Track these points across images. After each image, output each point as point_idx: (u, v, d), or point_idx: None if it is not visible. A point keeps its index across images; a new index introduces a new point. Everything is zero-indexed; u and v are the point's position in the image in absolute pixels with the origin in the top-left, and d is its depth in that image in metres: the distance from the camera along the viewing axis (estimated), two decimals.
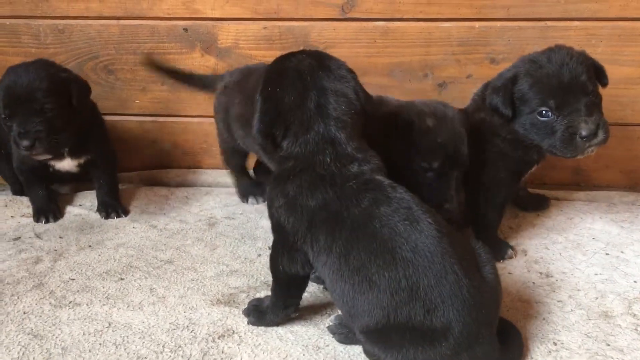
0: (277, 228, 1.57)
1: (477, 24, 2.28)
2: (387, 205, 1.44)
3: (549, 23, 2.25)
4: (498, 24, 2.27)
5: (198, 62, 2.45)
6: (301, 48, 2.35)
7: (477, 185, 2.01)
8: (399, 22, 2.30)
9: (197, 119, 2.57)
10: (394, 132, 1.81)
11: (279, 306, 1.67)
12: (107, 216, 2.30)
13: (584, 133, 1.78)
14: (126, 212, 2.33)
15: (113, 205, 2.33)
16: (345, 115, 1.55)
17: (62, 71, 2.17)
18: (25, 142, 2.04)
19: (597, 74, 1.87)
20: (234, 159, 2.39)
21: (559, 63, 1.81)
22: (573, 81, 1.79)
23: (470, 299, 1.38)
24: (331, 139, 1.52)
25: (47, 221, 2.27)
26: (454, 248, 1.42)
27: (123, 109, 2.58)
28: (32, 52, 2.49)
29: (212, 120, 2.53)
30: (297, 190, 1.50)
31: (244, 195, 2.39)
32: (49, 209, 2.30)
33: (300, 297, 1.70)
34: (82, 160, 2.30)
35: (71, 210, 2.37)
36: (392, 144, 1.80)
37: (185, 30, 2.40)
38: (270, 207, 1.59)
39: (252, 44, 2.40)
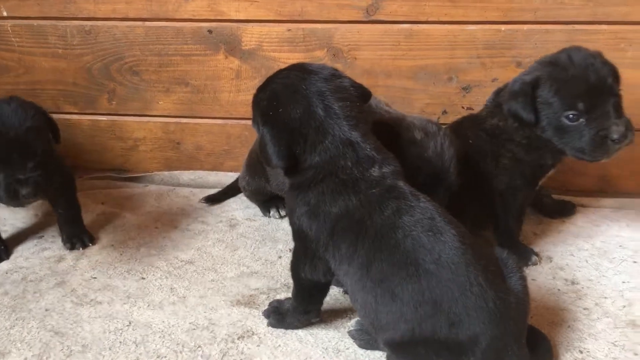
0: (299, 235, 1.56)
1: (503, 27, 2.25)
2: (410, 215, 1.41)
3: (577, 26, 2.20)
4: (525, 27, 2.23)
5: (222, 64, 2.46)
6: (325, 50, 2.38)
7: (493, 192, 1.98)
8: (423, 25, 2.28)
9: (220, 121, 2.57)
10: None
11: (300, 311, 1.66)
12: (72, 247, 2.11)
13: (615, 136, 1.74)
14: (93, 240, 2.15)
15: (78, 236, 2.14)
16: (352, 110, 1.52)
17: (38, 107, 1.97)
18: (26, 191, 1.82)
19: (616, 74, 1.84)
20: (259, 196, 2.35)
21: (583, 65, 1.78)
22: (600, 83, 1.76)
23: (496, 311, 1.34)
24: (349, 141, 1.49)
25: None
26: (478, 259, 1.38)
27: (147, 110, 2.59)
28: (59, 52, 2.51)
29: (234, 122, 2.55)
30: (319, 197, 1.48)
31: (266, 209, 2.35)
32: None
33: (321, 303, 1.68)
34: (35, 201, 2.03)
35: (94, 209, 2.39)
36: None
37: (210, 32, 2.40)
38: (291, 216, 1.57)
39: (275, 46, 2.40)
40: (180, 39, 2.43)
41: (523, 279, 1.47)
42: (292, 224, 1.57)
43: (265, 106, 1.56)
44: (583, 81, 1.76)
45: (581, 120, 1.77)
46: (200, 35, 2.42)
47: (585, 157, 1.82)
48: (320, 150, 1.49)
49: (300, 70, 1.58)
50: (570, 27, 2.20)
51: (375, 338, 1.51)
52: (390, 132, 1.73)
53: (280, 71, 1.62)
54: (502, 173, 1.96)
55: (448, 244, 1.38)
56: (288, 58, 2.41)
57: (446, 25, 2.27)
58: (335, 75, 1.58)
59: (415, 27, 2.29)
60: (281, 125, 1.52)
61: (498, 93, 1.98)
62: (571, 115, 1.78)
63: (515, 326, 1.39)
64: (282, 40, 2.39)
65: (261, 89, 1.61)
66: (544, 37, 2.22)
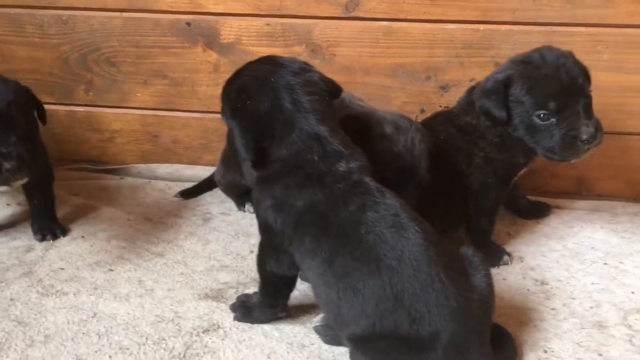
0: (264, 229, 1.55)
1: (482, 26, 2.25)
2: (375, 211, 1.41)
3: (555, 28, 2.20)
4: (503, 27, 2.23)
5: (200, 57, 2.44)
6: (304, 46, 2.37)
7: (465, 191, 1.98)
8: (402, 23, 2.27)
9: (198, 115, 2.55)
10: (351, 136, 1.68)
11: (266, 305, 1.65)
12: (42, 239, 2.08)
13: (584, 137, 1.74)
14: (64, 232, 2.13)
15: (49, 227, 2.11)
16: (321, 105, 1.52)
17: (23, 85, 1.97)
18: (10, 164, 1.79)
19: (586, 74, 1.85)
20: (234, 190, 2.34)
21: (555, 64, 1.78)
22: (572, 83, 1.76)
23: (458, 308, 1.34)
24: (316, 135, 1.48)
25: None
26: (441, 257, 1.38)
27: (124, 102, 2.57)
28: (36, 42, 2.49)
29: (212, 116, 2.53)
30: (285, 190, 1.47)
31: (240, 203, 2.34)
32: None
33: (288, 298, 1.67)
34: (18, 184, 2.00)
35: (67, 200, 2.36)
36: None
37: (188, 24, 2.39)
38: (257, 208, 1.56)
39: (254, 40, 2.39)
40: (158, 30, 2.41)
41: (488, 276, 1.47)
42: (257, 216, 1.56)
43: (233, 99, 1.55)
44: (555, 81, 1.76)
45: (552, 119, 1.78)
46: (179, 28, 2.40)
47: (555, 156, 1.82)
48: (287, 144, 1.49)
49: (269, 63, 1.57)
50: (548, 28, 2.21)
51: (339, 334, 1.50)
52: (361, 126, 1.72)
53: (250, 63, 1.61)
54: (474, 172, 1.96)
55: (411, 240, 1.37)
56: (267, 53, 2.35)
57: (425, 23, 2.27)
58: (305, 69, 1.57)
59: (394, 24, 2.29)
60: (249, 118, 1.51)
61: (471, 91, 1.98)
62: (542, 115, 1.78)
63: (478, 324, 1.39)
64: (261, 35, 2.37)
65: (230, 82, 1.60)
66: (523, 38, 2.22)
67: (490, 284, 1.47)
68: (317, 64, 2.33)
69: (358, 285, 1.37)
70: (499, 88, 1.82)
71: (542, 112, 1.77)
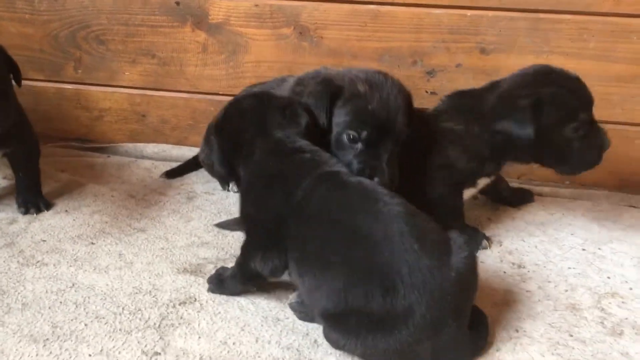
0: (251, 224, 1.61)
1: (468, 12, 2.25)
2: (343, 189, 1.47)
3: (541, 15, 2.21)
4: (490, 13, 2.24)
5: (189, 37, 2.45)
6: (292, 28, 2.38)
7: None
8: (389, 7, 2.28)
9: (186, 95, 2.56)
10: (326, 100, 1.76)
11: (239, 281, 1.67)
12: (26, 212, 2.10)
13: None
14: (48, 206, 2.14)
15: (33, 201, 2.13)
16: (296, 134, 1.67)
17: None
18: None
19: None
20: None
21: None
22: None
23: (432, 281, 1.34)
24: (278, 140, 1.63)
25: None
26: (415, 228, 1.39)
27: (113, 81, 2.58)
28: (26, 18, 2.50)
29: (200, 97, 2.54)
30: (264, 189, 1.57)
31: (224, 183, 2.35)
32: None
33: (263, 280, 1.69)
34: (1, 153, 2.09)
35: (53, 176, 2.37)
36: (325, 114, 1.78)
37: (177, 3, 2.39)
38: (242, 205, 1.64)
39: (242, 21, 2.39)
40: (147, 9, 2.42)
41: (470, 258, 1.44)
42: (241, 213, 1.65)
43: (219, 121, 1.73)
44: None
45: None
46: (168, 7, 2.41)
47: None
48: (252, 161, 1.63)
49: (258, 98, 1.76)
50: (534, 15, 2.21)
51: (314, 314, 1.52)
52: (333, 87, 1.77)
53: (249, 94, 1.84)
54: (434, 178, 1.98)
55: (382, 211, 1.40)
56: (255, 34, 2.41)
57: (412, 8, 2.28)
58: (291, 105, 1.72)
59: (382, 8, 2.30)
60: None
61: (459, 96, 2.00)
62: None
63: (453, 302, 1.37)
64: (250, 16, 2.38)
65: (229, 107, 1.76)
66: (509, 25, 2.23)
67: (471, 266, 1.45)
68: (305, 46, 2.36)
69: (330, 259, 1.39)
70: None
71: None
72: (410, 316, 1.33)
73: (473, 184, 2.01)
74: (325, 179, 1.50)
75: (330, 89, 1.77)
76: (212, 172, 2.35)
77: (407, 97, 1.82)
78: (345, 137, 1.76)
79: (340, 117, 1.77)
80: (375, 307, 1.35)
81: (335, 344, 1.43)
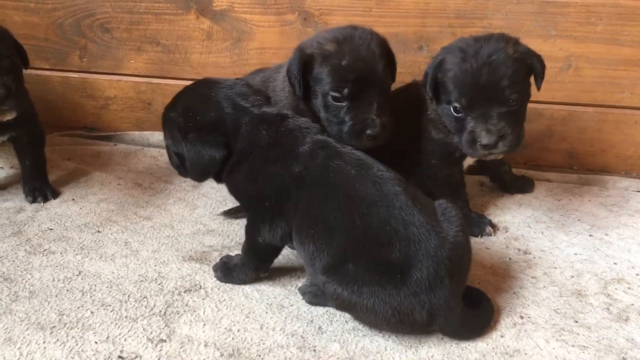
0: (252, 199, 1.63)
1: None
2: (339, 158, 1.53)
3: None
4: None
5: (193, 25, 2.44)
6: (296, 14, 2.36)
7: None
8: None
9: (190, 82, 2.55)
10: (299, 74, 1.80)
11: (250, 267, 1.69)
12: (33, 200, 2.11)
13: (484, 142, 1.71)
14: (55, 195, 2.16)
15: (40, 189, 2.14)
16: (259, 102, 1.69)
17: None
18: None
19: (533, 73, 1.78)
20: None
21: (482, 60, 1.70)
22: (489, 85, 1.70)
23: (426, 236, 1.41)
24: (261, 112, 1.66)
25: None
26: (407, 190, 1.48)
27: (118, 69, 2.59)
28: (31, 7, 2.50)
29: None
30: (261, 163, 1.59)
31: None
32: None
33: (272, 262, 1.71)
34: (5, 138, 2.10)
35: (60, 165, 2.38)
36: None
37: None
38: (237, 189, 1.69)
39: (247, 7, 2.38)
40: None
41: (462, 227, 1.50)
42: (240, 197, 1.70)
43: (181, 121, 1.66)
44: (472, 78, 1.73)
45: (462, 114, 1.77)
46: None
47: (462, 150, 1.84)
48: (240, 137, 1.63)
49: (205, 84, 1.73)
50: None
51: (318, 282, 1.54)
52: (306, 56, 1.78)
53: (186, 88, 1.75)
54: (423, 153, 2.00)
55: (376, 177, 1.49)
56: (260, 21, 2.39)
57: None
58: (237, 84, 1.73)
59: None
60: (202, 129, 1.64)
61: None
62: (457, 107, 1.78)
63: (447, 259, 1.41)
64: (254, 2, 2.37)
65: (170, 109, 1.71)
66: (515, 8, 2.21)
67: (465, 234, 1.50)
68: (309, 32, 2.35)
69: (329, 220, 1.47)
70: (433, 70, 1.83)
71: (456, 105, 1.77)
72: (406, 268, 1.39)
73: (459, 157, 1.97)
74: (321, 147, 1.56)
75: (302, 59, 1.79)
76: None
77: (381, 43, 1.81)
78: (330, 99, 1.77)
79: (320, 82, 1.78)
80: (372, 261, 1.41)
81: (335, 297, 1.46)
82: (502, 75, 1.68)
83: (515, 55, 1.72)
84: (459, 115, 1.76)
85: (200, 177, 1.73)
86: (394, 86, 1.96)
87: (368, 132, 1.73)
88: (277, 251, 1.69)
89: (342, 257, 1.44)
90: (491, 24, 2.24)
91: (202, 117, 1.63)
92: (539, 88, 1.80)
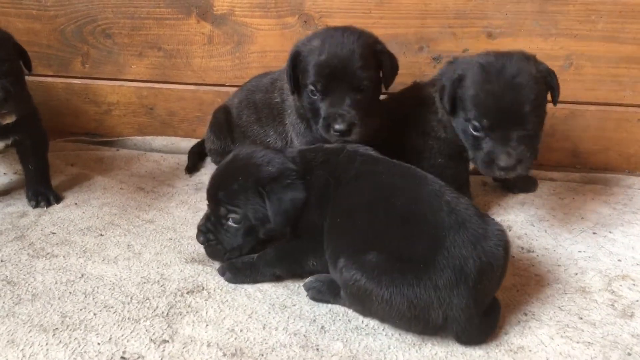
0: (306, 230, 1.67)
1: None
2: (375, 164, 1.61)
3: None
4: None
5: (194, 29, 2.46)
6: (296, 17, 2.37)
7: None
8: None
9: (192, 87, 2.57)
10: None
11: (274, 274, 1.71)
12: (36, 204, 2.11)
13: (502, 164, 1.71)
14: (58, 199, 2.15)
15: (43, 194, 2.14)
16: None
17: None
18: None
19: (551, 90, 1.78)
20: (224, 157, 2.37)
21: (505, 82, 1.69)
22: (513, 108, 1.69)
23: (460, 229, 1.42)
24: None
25: None
26: (443, 188, 1.53)
27: (120, 74, 2.60)
28: (34, 13, 2.52)
29: (206, 88, 2.55)
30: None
31: None
32: None
33: None
34: (9, 141, 2.08)
35: (63, 170, 2.39)
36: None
37: None
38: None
39: (247, 11, 2.39)
40: (152, 1, 2.43)
41: (504, 247, 1.48)
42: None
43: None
44: (495, 99, 1.72)
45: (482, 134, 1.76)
46: None
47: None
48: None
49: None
50: None
51: (334, 275, 1.56)
52: (293, 54, 1.87)
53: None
54: (427, 153, 2.02)
55: (404, 168, 1.62)
56: (260, 24, 2.41)
57: None
58: None
59: None
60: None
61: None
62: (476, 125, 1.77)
63: (479, 264, 1.40)
64: (254, 6, 2.38)
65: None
66: (516, 8, 2.21)
67: (504, 254, 1.48)
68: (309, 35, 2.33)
69: (355, 216, 1.53)
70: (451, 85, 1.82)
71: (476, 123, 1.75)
72: (430, 257, 1.39)
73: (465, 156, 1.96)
74: (358, 155, 1.65)
75: (292, 54, 1.85)
76: (218, 159, 2.36)
77: (368, 44, 1.84)
78: (309, 92, 1.82)
79: (304, 76, 1.84)
80: (396, 249, 1.42)
81: (351, 284, 1.44)
82: (525, 99, 1.68)
83: (537, 75, 1.71)
84: (478, 133, 1.75)
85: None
86: (394, 87, 1.98)
87: (335, 126, 1.76)
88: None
89: (366, 245, 1.46)
90: (491, 24, 2.24)
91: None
92: (555, 104, 1.81)
